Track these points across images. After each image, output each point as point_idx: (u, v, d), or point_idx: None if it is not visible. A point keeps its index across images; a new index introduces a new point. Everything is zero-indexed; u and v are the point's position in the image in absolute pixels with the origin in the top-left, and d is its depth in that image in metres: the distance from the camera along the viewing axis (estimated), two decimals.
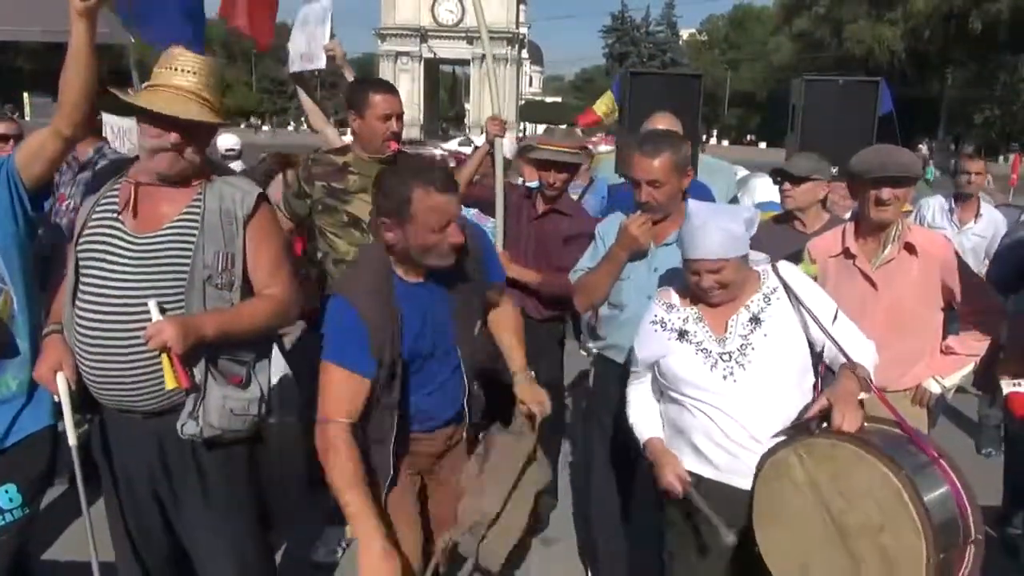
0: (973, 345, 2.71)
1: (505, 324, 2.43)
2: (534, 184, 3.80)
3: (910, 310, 2.64)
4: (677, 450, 2.22)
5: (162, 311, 2.02)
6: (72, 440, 2.19)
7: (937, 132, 43.11)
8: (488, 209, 3.60)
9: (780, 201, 3.36)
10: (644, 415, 2.33)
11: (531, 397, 2.29)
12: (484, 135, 3.54)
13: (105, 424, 2.23)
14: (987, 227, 4.46)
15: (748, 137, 61.79)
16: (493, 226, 3.52)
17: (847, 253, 2.72)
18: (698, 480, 2.15)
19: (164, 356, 1.99)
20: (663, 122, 3.33)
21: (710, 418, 2.09)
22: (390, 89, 3.03)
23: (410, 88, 48.32)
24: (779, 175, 3.28)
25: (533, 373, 2.40)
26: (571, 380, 5.66)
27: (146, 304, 2.02)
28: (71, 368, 2.10)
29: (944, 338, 2.76)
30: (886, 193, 2.56)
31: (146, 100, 2.02)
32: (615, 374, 2.76)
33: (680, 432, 2.20)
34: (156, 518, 2.28)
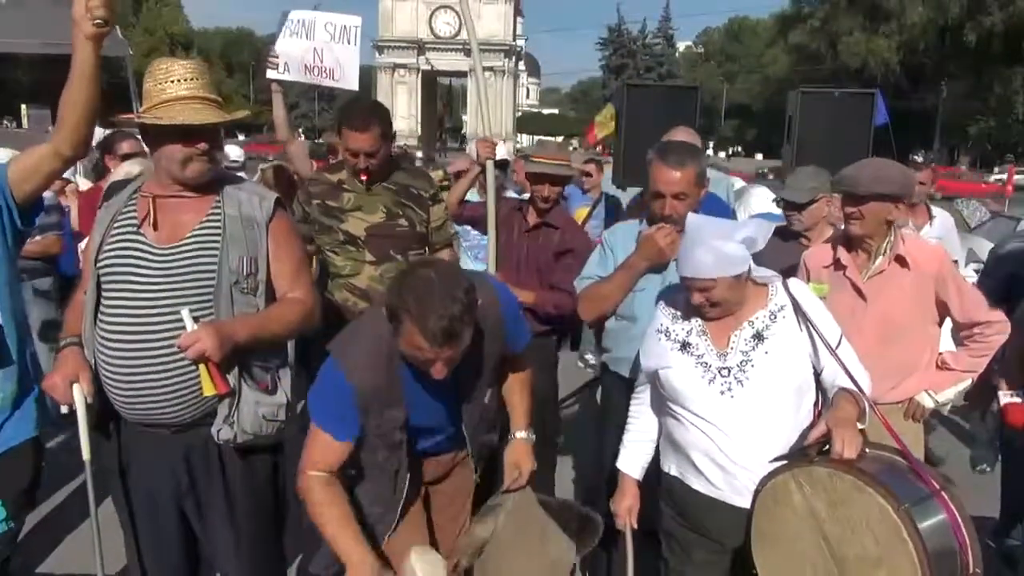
0: (969, 361, 2.69)
1: (514, 386, 2.39)
2: (523, 196, 3.81)
3: (900, 323, 2.63)
4: (676, 464, 2.21)
5: (195, 320, 2.04)
6: (86, 454, 2.19)
7: (933, 144, 43.23)
8: (481, 226, 3.61)
9: (787, 223, 3.33)
10: (634, 446, 2.36)
11: (514, 461, 2.31)
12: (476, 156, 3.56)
13: (124, 437, 2.24)
14: (941, 228, 4.50)
15: (733, 149, 61.93)
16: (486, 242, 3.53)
17: (837, 264, 2.73)
18: (697, 498, 2.14)
19: (201, 364, 2.03)
20: (683, 135, 3.24)
21: (707, 435, 2.08)
22: (363, 126, 2.91)
23: (408, 100, 48.44)
24: (781, 203, 3.28)
25: (534, 437, 2.38)
26: (569, 392, 5.65)
27: (175, 315, 2.04)
28: (88, 381, 2.11)
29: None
30: (848, 208, 2.62)
31: (173, 116, 2.04)
32: (622, 387, 2.70)
33: (677, 447, 2.20)
34: (175, 530, 2.31)
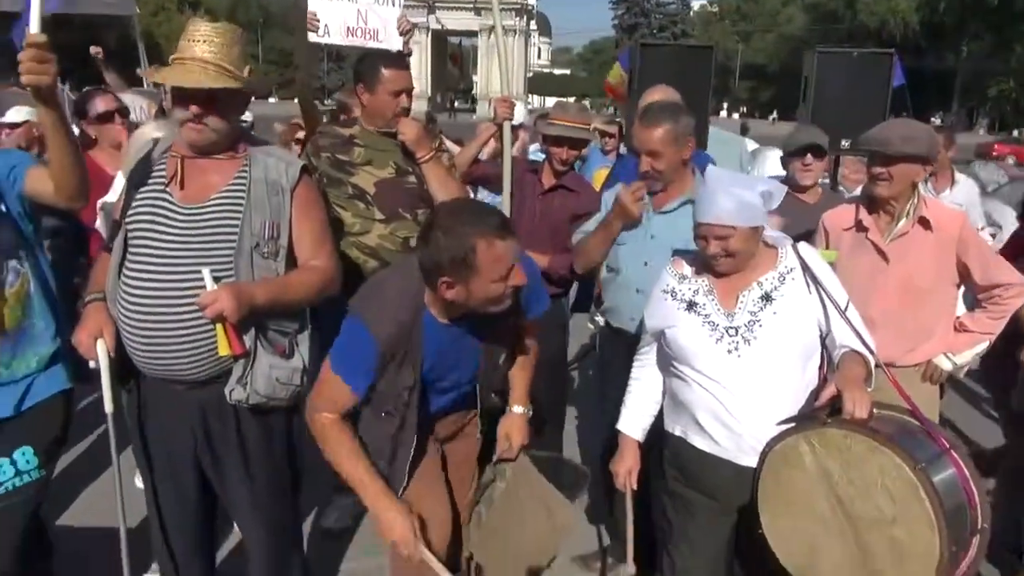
0: (987, 323, 2.68)
1: (519, 359, 2.38)
2: (537, 157, 3.77)
3: (921, 285, 2.61)
4: (680, 424, 2.22)
5: (216, 280, 2.06)
6: (109, 408, 2.26)
7: (951, 105, 42.59)
8: (491, 186, 3.57)
9: (796, 175, 3.32)
10: (636, 403, 2.37)
11: (506, 432, 2.34)
12: (492, 114, 3.50)
13: (144, 392, 2.29)
14: (962, 194, 4.44)
15: (742, 110, 61.11)
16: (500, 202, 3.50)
17: (859, 226, 2.70)
18: (701, 456, 2.15)
19: (219, 324, 2.05)
20: (658, 94, 3.32)
21: (712, 394, 2.08)
22: (402, 64, 2.99)
23: (418, 60, 47.95)
24: (809, 150, 3.25)
25: (531, 412, 2.40)
26: (580, 352, 5.67)
27: (196, 274, 2.07)
28: (111, 336, 2.16)
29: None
30: (876, 169, 2.56)
31: (161, 75, 2.06)
32: (618, 341, 2.82)
33: (682, 407, 2.20)
34: (192, 483, 2.37)
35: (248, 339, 2.14)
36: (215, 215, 2.14)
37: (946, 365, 2.70)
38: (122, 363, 2.22)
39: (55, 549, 2.40)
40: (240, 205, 2.15)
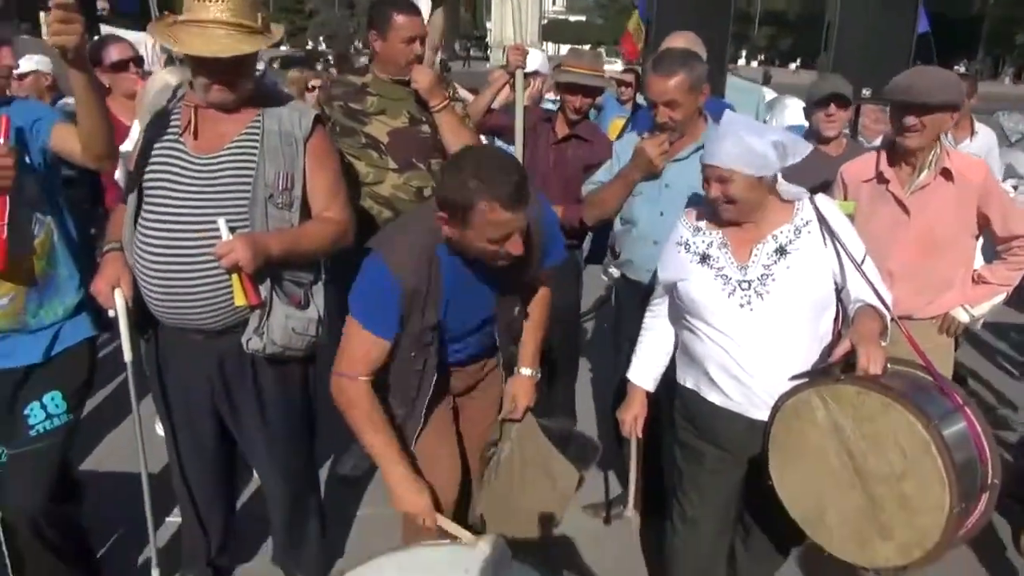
0: (1006, 275, 2.66)
1: (531, 319, 2.37)
2: (551, 105, 3.71)
3: (942, 237, 2.57)
4: (692, 377, 2.22)
5: (231, 230, 2.07)
6: (128, 356, 2.30)
7: (976, 53, 41.50)
8: (506, 136, 3.53)
9: (819, 126, 3.24)
10: (646, 353, 2.37)
11: (514, 393, 2.33)
12: (505, 62, 3.44)
13: (162, 341, 2.32)
14: (982, 144, 4.35)
15: (760, 58, 59.72)
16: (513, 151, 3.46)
17: (880, 178, 2.65)
18: (712, 409, 2.16)
19: (234, 274, 2.06)
20: (681, 40, 3.18)
21: (723, 348, 2.07)
22: (413, 10, 2.94)
23: (426, 5, 47.01)
24: (832, 100, 3.16)
25: (539, 375, 2.40)
26: (594, 303, 5.68)
27: (212, 223, 2.07)
28: (128, 285, 2.18)
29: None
30: (910, 119, 2.47)
31: (184, 44, 2.01)
32: (633, 293, 2.80)
33: (693, 360, 2.20)
34: (212, 431, 2.42)
35: (264, 289, 2.16)
36: (229, 165, 2.13)
37: (963, 317, 2.68)
38: (140, 312, 2.24)
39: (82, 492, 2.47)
40: (254, 155, 2.14)
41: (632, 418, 2.38)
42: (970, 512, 1.76)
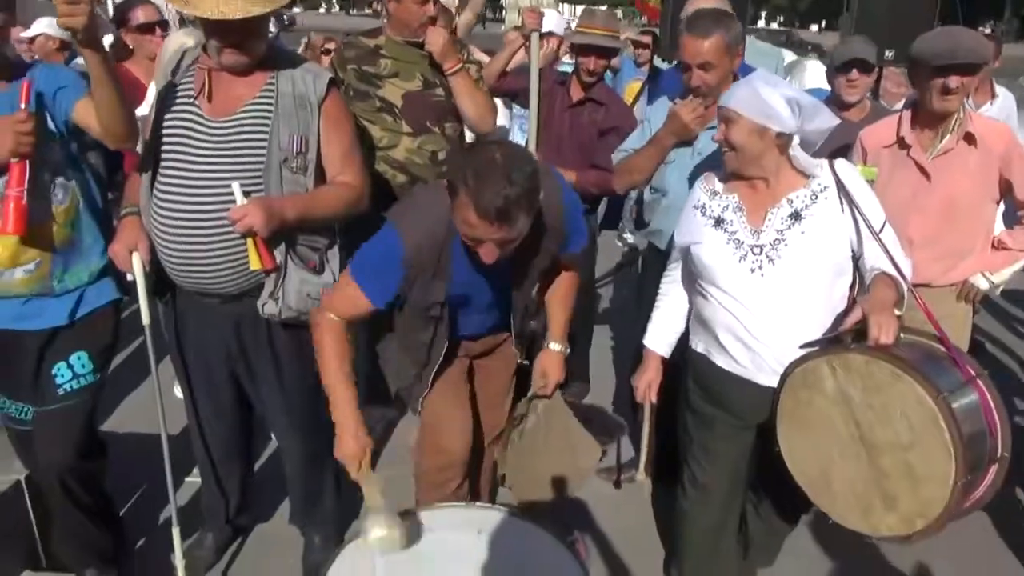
0: None
1: (556, 293, 2.36)
2: (566, 68, 3.66)
3: (964, 203, 2.53)
4: (703, 342, 2.22)
5: (246, 194, 2.06)
6: (146, 319, 2.32)
7: (1003, 13, 40.45)
8: (521, 99, 3.49)
9: (841, 91, 3.16)
10: (661, 319, 2.36)
11: (543, 369, 2.34)
12: (520, 23, 3.40)
13: (179, 305, 2.34)
14: (1002, 108, 4.26)
15: (779, 19, 58.39)
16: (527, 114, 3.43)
17: (901, 143, 2.59)
18: (721, 374, 2.16)
19: (249, 238, 2.06)
20: (710, 1, 3.12)
21: (732, 313, 2.06)
22: None
23: None
24: (854, 65, 3.08)
25: (568, 350, 2.40)
26: (609, 269, 5.67)
27: (226, 188, 2.07)
28: (146, 249, 2.20)
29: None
30: (954, 81, 2.38)
31: (194, 6, 1.98)
32: (660, 263, 2.72)
33: (704, 324, 2.19)
34: (229, 393, 2.45)
35: (279, 254, 2.16)
36: (242, 129, 2.12)
37: (983, 284, 2.64)
38: (158, 276, 2.26)
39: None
40: (268, 119, 2.13)
41: (646, 384, 2.38)
42: (976, 484, 1.76)
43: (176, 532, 2.51)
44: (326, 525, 2.70)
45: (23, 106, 1.98)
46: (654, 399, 2.40)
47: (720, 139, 2.02)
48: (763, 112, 1.92)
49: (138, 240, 2.21)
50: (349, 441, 1.98)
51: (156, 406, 2.43)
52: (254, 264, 2.10)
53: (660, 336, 2.38)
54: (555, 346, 2.37)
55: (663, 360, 2.39)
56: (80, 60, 4.28)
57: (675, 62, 3.69)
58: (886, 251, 1.93)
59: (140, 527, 2.83)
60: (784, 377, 1.98)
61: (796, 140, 1.97)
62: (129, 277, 2.27)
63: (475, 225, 1.75)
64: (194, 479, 2.86)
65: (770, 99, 1.91)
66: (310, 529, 2.71)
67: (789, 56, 6.45)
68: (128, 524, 2.67)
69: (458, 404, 2.37)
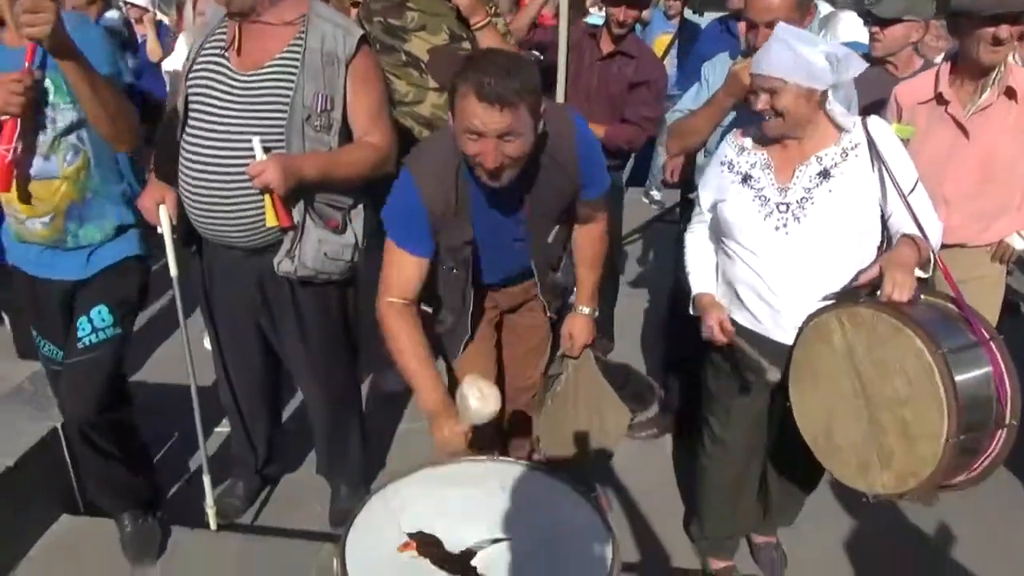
0: None
1: (583, 255, 2.30)
2: (597, 20, 3.59)
3: (1002, 160, 2.45)
4: (723, 297, 2.20)
5: (266, 150, 2.06)
6: (173, 271, 2.36)
7: None
8: (551, 52, 3.43)
9: (868, 45, 3.06)
10: (698, 266, 2.27)
11: (570, 331, 2.33)
12: None
13: (207, 257, 2.36)
14: None
15: None
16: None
17: (940, 99, 2.51)
18: (739, 330, 2.13)
19: (267, 194, 2.06)
20: None
21: (754, 270, 2.04)
22: None
23: None
24: (867, 16, 2.97)
25: (597, 313, 2.37)
26: (636, 227, 5.63)
27: (248, 142, 2.06)
28: (173, 202, 2.22)
29: None
30: (1004, 31, 2.28)
31: None
32: None
33: (726, 281, 2.17)
34: (255, 345, 2.47)
35: (297, 213, 2.15)
36: (268, 83, 2.11)
37: (1018, 244, 2.58)
38: (187, 228, 2.28)
39: (134, 402, 2.57)
40: (293, 75, 2.10)
41: (716, 321, 2.12)
42: (981, 450, 1.73)
43: (207, 480, 2.58)
44: (353, 475, 2.76)
45: (27, 65, 1.93)
46: (731, 328, 2.15)
47: (765, 108, 1.92)
48: (809, 74, 1.85)
49: (165, 192, 2.23)
50: (445, 431, 1.87)
51: (185, 357, 2.47)
52: (270, 220, 2.10)
53: (705, 279, 2.25)
54: (584, 309, 2.35)
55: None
56: (112, 14, 4.26)
57: (716, 17, 3.59)
58: (911, 213, 1.89)
59: (172, 475, 2.91)
60: (799, 331, 1.97)
61: (831, 94, 1.92)
62: (159, 230, 2.29)
63: (476, 114, 1.69)
64: (224, 429, 2.92)
65: (813, 58, 1.83)
66: (337, 479, 2.77)
67: (824, 7, 6.24)
68: (160, 472, 2.74)
69: (486, 364, 2.37)
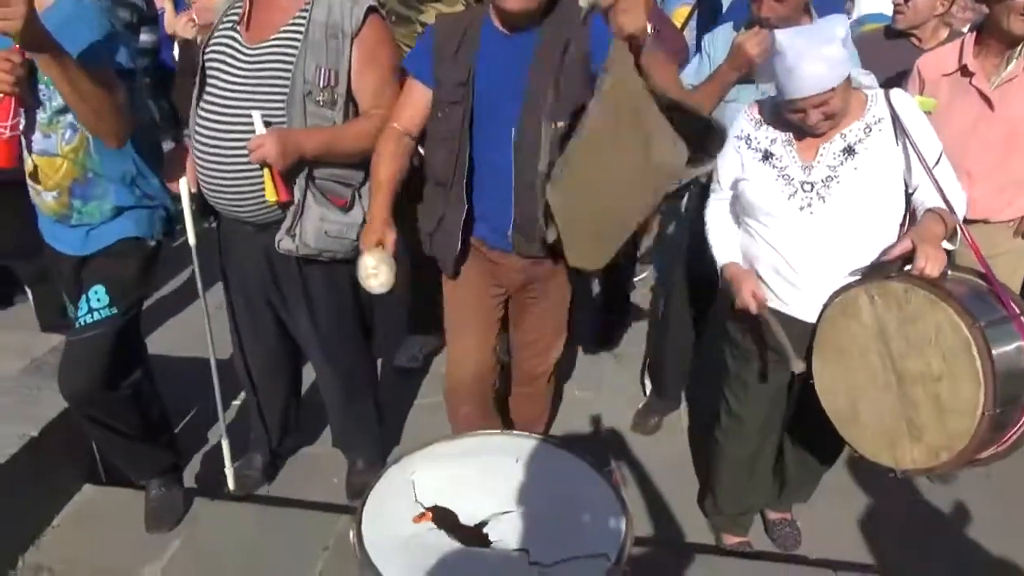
0: None
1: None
2: None
3: None
4: None
5: (266, 124, 2.04)
6: (192, 240, 2.38)
7: None
8: None
9: (892, 17, 2.98)
10: (722, 238, 2.22)
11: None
12: None
13: (223, 230, 2.38)
14: None
15: None
16: None
17: (964, 71, 2.46)
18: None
19: (266, 169, 2.05)
20: None
21: (778, 251, 2.01)
22: None
23: None
24: None
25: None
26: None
27: (250, 116, 2.05)
28: (192, 174, 2.24)
29: None
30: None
31: None
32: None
33: (747, 260, 2.15)
34: (268, 320, 2.48)
35: (298, 190, 2.13)
36: (271, 57, 2.08)
37: None
38: (203, 201, 2.29)
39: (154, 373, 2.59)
40: (295, 48, 2.06)
41: (749, 292, 2.07)
42: (1010, 424, 1.72)
43: (227, 450, 2.61)
44: (369, 450, 2.78)
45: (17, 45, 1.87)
46: (763, 296, 2.10)
47: (819, 120, 1.88)
48: (842, 69, 1.83)
49: (186, 164, 2.24)
50: (372, 227, 2.12)
51: (205, 330, 2.49)
52: (269, 196, 2.08)
53: (729, 249, 2.20)
54: None
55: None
56: None
57: None
58: (937, 186, 1.86)
59: (191, 447, 2.95)
60: (824, 308, 1.95)
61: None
62: (178, 206, 2.31)
63: None
64: (242, 401, 2.95)
65: (836, 53, 1.80)
66: (353, 453, 2.79)
67: None
68: (180, 443, 2.77)
69: (472, 327, 2.34)
